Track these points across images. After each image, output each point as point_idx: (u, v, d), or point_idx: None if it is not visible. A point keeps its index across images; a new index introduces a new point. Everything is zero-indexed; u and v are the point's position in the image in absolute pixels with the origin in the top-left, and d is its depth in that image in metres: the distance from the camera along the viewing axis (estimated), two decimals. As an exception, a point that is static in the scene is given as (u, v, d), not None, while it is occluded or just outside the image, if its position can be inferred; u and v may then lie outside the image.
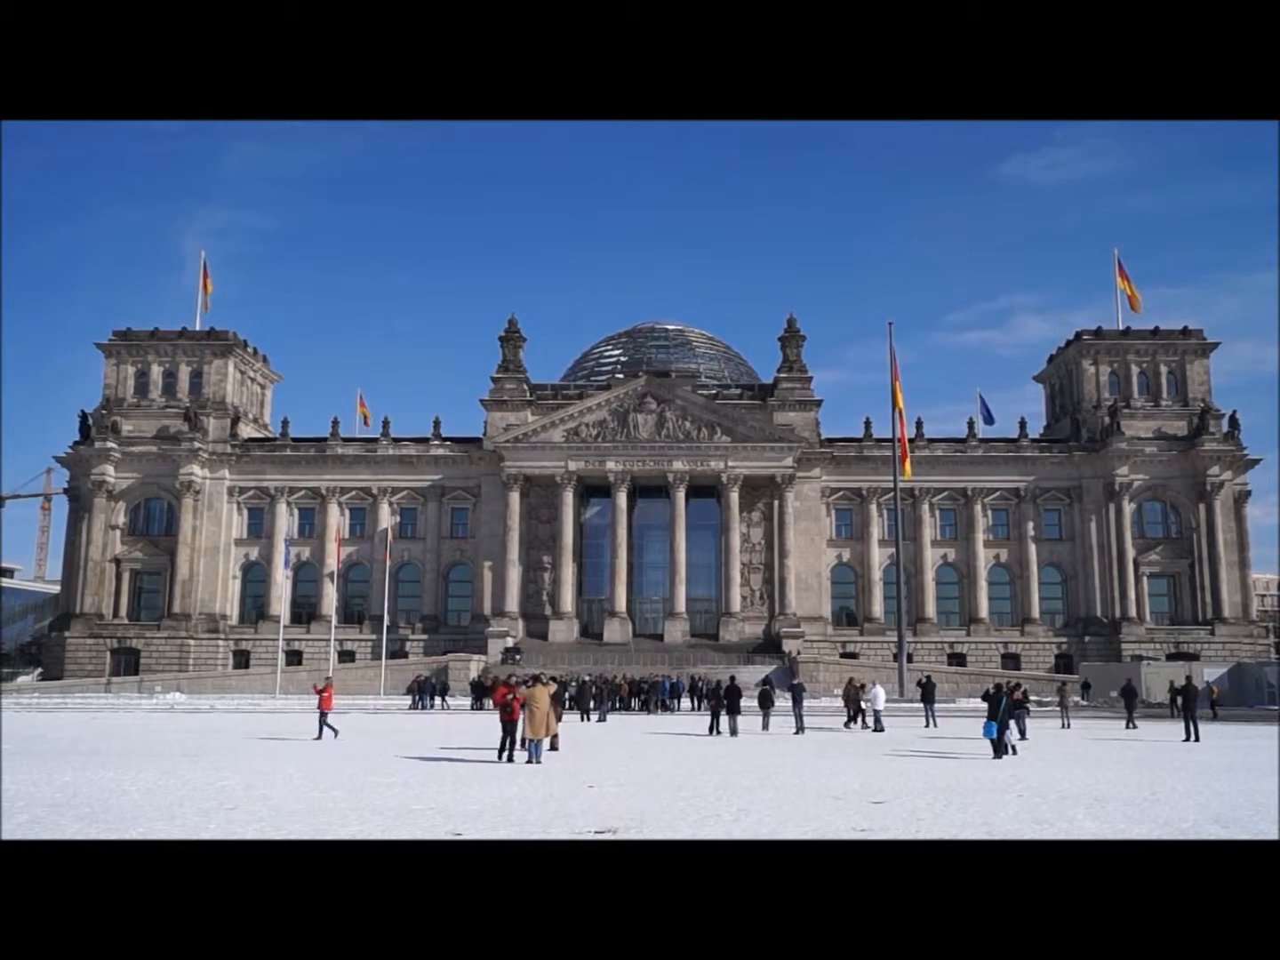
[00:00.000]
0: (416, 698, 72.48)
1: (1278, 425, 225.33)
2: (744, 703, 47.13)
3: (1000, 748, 33.89)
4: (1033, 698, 65.37)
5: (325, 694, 40.87)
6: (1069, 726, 51.37)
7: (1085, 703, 73.42)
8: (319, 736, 39.78)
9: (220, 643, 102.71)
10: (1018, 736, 37.47)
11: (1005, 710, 34.52)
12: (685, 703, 69.72)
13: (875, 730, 47.21)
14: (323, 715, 40.42)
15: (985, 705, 36.89)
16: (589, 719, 55.20)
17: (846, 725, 50.27)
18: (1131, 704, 52.44)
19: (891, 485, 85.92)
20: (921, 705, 53.58)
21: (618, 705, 65.03)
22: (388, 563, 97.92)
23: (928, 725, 50.14)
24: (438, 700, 74.30)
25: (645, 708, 66.14)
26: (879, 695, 48.69)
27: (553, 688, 34.09)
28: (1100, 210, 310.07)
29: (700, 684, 69.22)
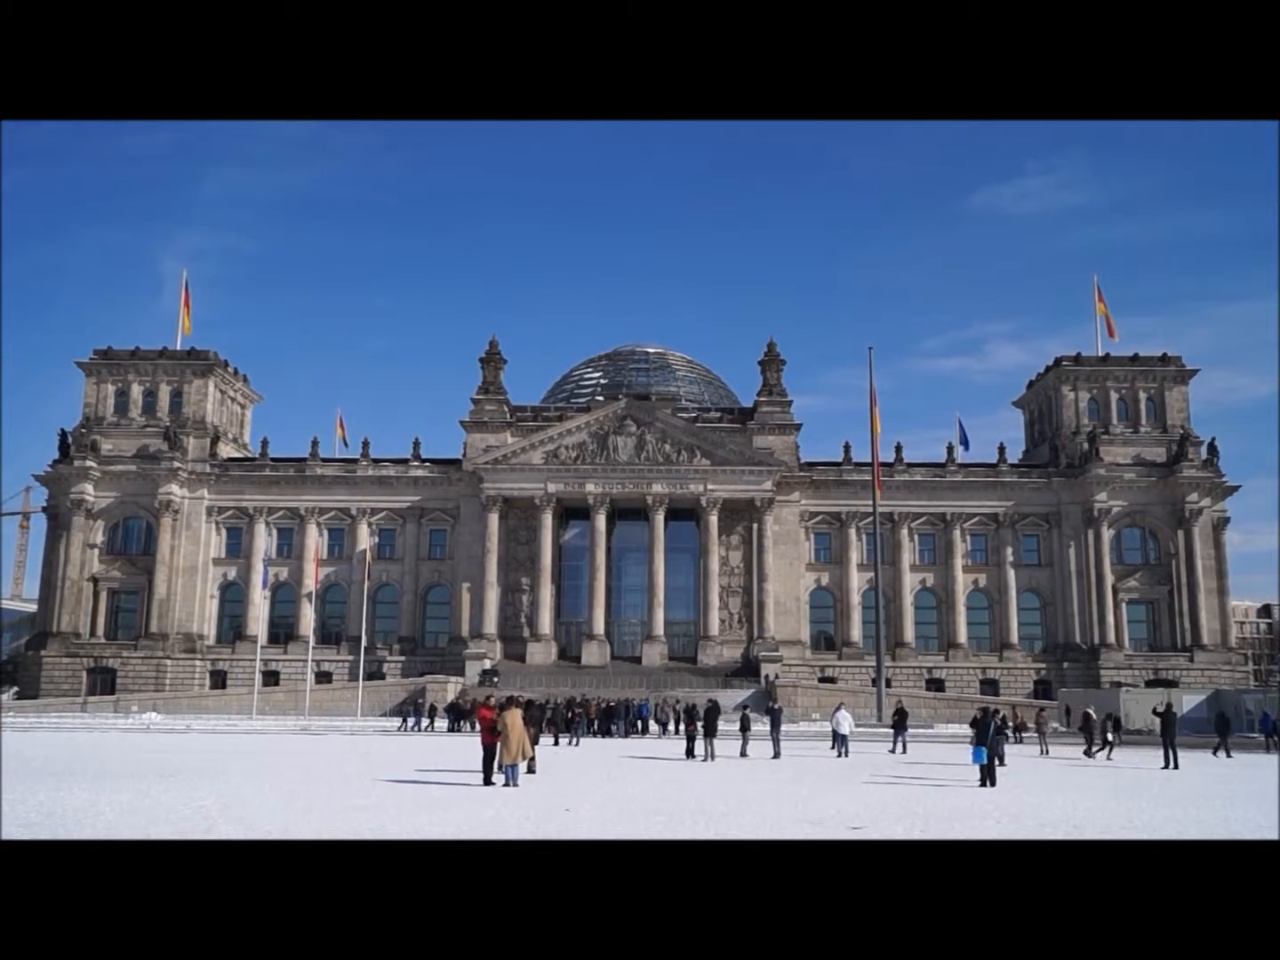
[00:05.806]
0: (409, 719, 72.75)
1: (1278, 450, 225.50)
2: (721, 725, 46.75)
3: (988, 774, 33.04)
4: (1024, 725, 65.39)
5: None
6: (1047, 753, 51.39)
7: (1064, 729, 73.40)
8: None
9: (197, 663, 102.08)
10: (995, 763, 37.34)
11: (993, 736, 34.23)
12: (653, 726, 68.70)
13: (841, 755, 46.44)
14: None
15: (965, 731, 36.69)
16: (561, 742, 54.95)
17: (1088, 754, 49.18)
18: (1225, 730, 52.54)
19: (870, 510, 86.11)
20: (892, 732, 53.25)
21: (594, 729, 64.36)
22: (366, 583, 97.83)
23: (893, 750, 50.04)
24: (425, 721, 74.26)
25: (609, 732, 65.00)
26: (845, 720, 47.69)
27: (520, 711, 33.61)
28: (1071, 240, 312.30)
29: (671, 707, 68.94)
